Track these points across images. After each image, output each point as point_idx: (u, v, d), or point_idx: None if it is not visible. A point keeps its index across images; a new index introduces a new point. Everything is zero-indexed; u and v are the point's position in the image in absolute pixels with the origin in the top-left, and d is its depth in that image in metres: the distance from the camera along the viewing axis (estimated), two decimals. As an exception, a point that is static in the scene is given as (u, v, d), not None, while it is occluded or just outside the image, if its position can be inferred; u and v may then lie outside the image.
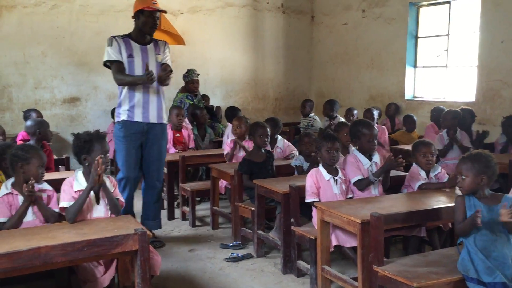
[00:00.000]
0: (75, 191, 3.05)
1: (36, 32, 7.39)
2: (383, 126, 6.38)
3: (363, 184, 3.69)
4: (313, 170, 3.70)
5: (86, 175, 3.11)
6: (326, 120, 6.99)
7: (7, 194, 3.03)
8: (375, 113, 6.29)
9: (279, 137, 5.39)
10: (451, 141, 5.19)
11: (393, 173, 3.89)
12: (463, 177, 2.71)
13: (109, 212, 3.16)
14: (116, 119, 4.44)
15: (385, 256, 3.07)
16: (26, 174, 3.03)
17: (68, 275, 3.05)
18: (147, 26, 4.28)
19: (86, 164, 3.12)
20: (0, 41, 7.19)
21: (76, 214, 2.95)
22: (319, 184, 3.62)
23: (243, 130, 5.15)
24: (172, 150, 5.86)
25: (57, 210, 3.11)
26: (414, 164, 3.85)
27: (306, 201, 3.62)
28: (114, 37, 4.31)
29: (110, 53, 4.26)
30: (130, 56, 4.26)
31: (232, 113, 6.59)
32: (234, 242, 4.48)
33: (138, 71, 4.25)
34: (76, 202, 2.98)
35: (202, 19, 8.59)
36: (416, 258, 3.04)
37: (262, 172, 4.39)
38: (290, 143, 5.46)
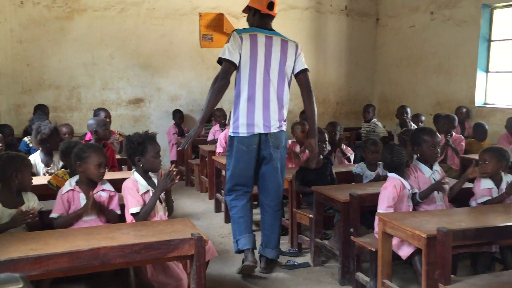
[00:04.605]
0: (140, 194, 3.13)
1: (105, 34, 7.67)
2: (459, 135, 6.09)
3: (413, 200, 3.48)
4: (396, 180, 3.41)
5: (143, 175, 3.19)
6: (396, 124, 6.90)
7: (69, 191, 3.12)
8: (455, 120, 6.01)
9: (340, 141, 5.34)
10: None
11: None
12: None
13: (167, 214, 3.27)
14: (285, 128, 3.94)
15: (452, 273, 2.88)
16: (84, 173, 3.12)
17: (134, 275, 3.09)
18: None
19: (141, 165, 3.19)
20: (71, 43, 7.52)
21: (146, 218, 3.07)
22: (400, 195, 3.39)
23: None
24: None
25: (118, 212, 3.20)
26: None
27: (381, 211, 3.33)
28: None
29: None
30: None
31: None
32: (291, 249, 4.39)
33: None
34: (147, 207, 3.08)
35: (264, 22, 8.57)
36: (487, 278, 2.83)
37: (320, 179, 4.24)
38: (348, 147, 5.47)
